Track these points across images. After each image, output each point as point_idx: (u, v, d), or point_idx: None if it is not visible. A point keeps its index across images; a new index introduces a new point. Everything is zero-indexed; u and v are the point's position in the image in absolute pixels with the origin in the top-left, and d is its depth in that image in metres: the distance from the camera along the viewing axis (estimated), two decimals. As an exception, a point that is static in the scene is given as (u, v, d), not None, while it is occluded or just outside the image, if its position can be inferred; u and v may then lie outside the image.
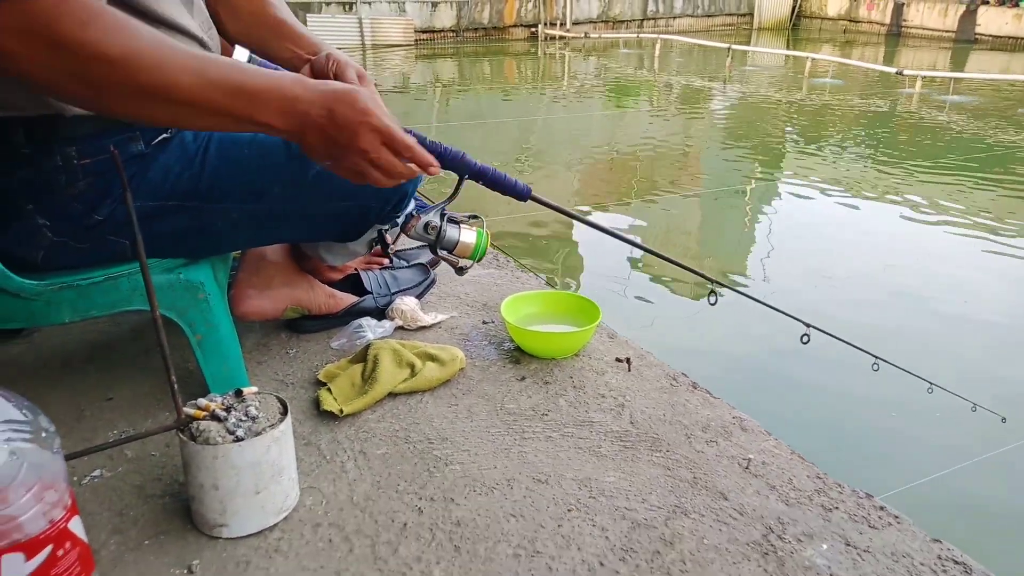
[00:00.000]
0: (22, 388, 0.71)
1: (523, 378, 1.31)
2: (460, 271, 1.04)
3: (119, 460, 1.07)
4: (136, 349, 1.38)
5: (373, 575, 0.87)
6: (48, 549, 0.63)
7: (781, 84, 8.89)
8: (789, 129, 6.63)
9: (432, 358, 1.30)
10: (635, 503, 1.00)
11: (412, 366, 1.27)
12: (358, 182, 0.86)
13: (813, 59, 9.34)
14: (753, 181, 5.00)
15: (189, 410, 0.89)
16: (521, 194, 1.00)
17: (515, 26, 12.77)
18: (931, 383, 1.26)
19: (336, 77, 1.00)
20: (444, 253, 1.01)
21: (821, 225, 4.03)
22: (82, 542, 0.67)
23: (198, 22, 1.05)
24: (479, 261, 1.04)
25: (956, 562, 0.92)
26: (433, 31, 12.13)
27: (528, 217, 3.93)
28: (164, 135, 1.05)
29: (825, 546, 0.94)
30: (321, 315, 1.43)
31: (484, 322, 1.51)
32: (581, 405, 1.23)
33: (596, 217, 4.06)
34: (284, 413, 0.92)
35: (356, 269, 1.53)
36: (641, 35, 12.33)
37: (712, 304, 1.08)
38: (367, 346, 1.33)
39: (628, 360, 1.37)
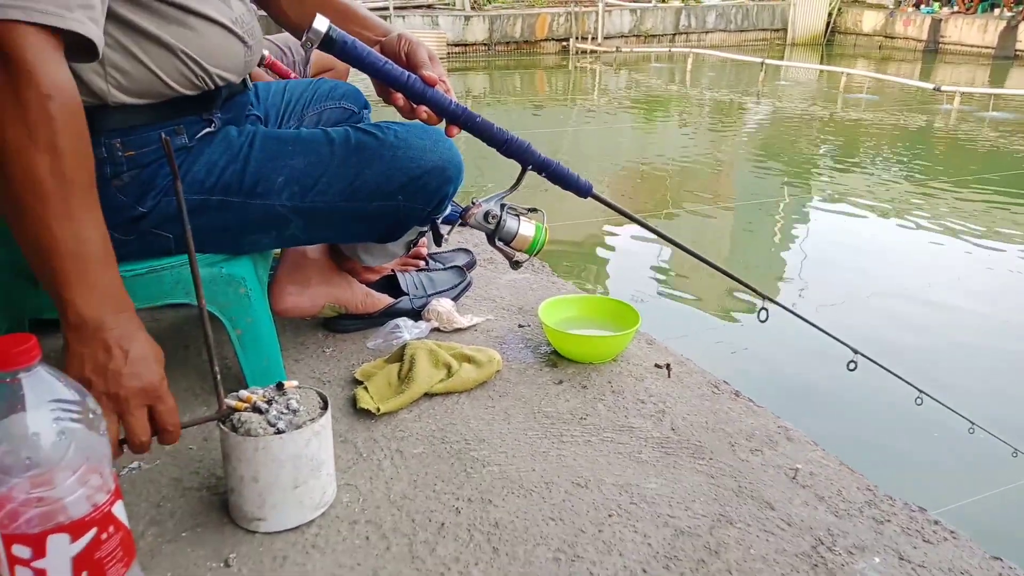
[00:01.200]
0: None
1: (560, 382, 1.29)
2: (515, 265, 1.01)
3: (157, 452, 1.07)
4: (175, 345, 1.39)
5: (411, 574, 0.85)
6: (93, 532, 0.62)
7: (815, 99, 8.80)
8: (823, 145, 6.55)
9: (469, 359, 1.28)
10: (678, 511, 0.97)
11: (449, 367, 1.26)
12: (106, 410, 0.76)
13: (848, 74, 9.24)
14: (786, 197, 4.94)
15: (231, 402, 0.88)
16: (582, 190, 0.98)
17: (547, 40, 12.82)
18: (972, 422, 1.20)
19: (408, 57, 0.99)
20: (501, 244, 0.98)
21: (856, 243, 3.96)
22: (125, 527, 0.66)
23: (236, 15, 1.02)
24: (535, 255, 1.01)
25: (1018, 581, 0.88)
26: (466, 44, 12.22)
27: (560, 225, 3.92)
28: (208, 129, 1.06)
29: (877, 559, 0.90)
30: (358, 315, 1.43)
31: (520, 325, 1.50)
32: (620, 410, 1.21)
33: (627, 227, 4.04)
34: (324, 407, 0.92)
35: (393, 270, 1.52)
36: (673, 49, 12.31)
37: (763, 321, 1.04)
38: (403, 346, 1.32)
39: (668, 366, 1.34)
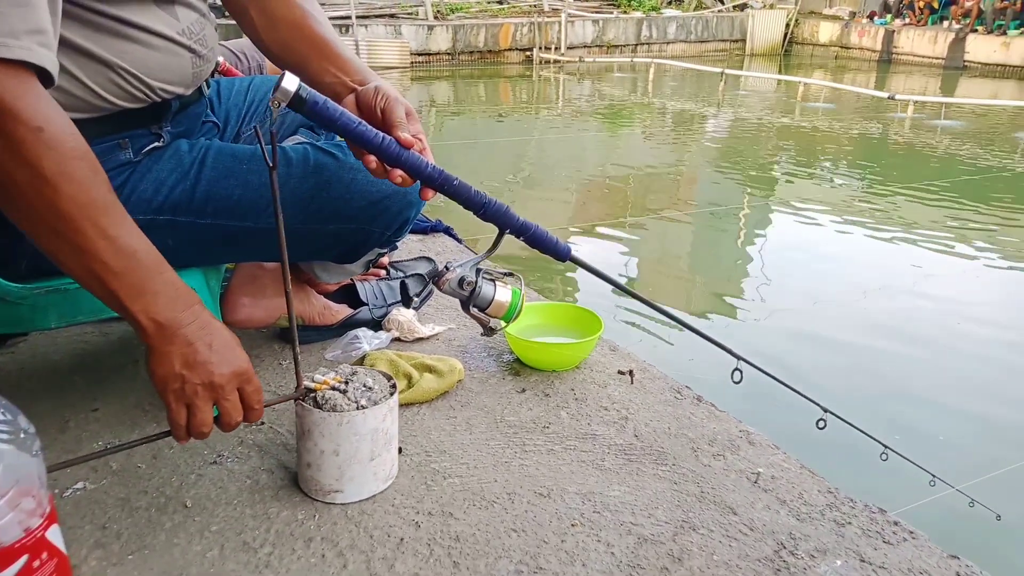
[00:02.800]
0: (4, 398, 0.67)
1: (523, 390, 1.28)
2: (490, 332, 0.97)
3: (103, 472, 1.03)
4: (124, 359, 1.35)
5: (368, 592, 0.83)
6: (24, 559, 0.59)
7: (774, 108, 8.97)
8: (782, 152, 6.67)
9: (430, 369, 1.26)
10: (641, 518, 0.96)
11: (409, 377, 1.24)
12: (173, 407, 0.79)
13: (805, 83, 9.44)
14: (746, 205, 5.01)
15: (309, 383, 0.94)
16: (561, 254, 0.96)
17: (510, 50, 12.87)
18: (934, 475, 1.18)
19: (384, 113, 0.91)
20: (476, 311, 0.95)
21: (814, 248, 4.02)
22: (60, 552, 0.63)
23: (184, 26, 0.97)
24: (510, 322, 0.98)
25: (976, 579, 0.88)
26: (429, 54, 12.21)
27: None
28: (156, 144, 1.02)
29: (839, 562, 0.90)
30: (316, 326, 1.40)
31: (482, 334, 1.48)
32: (583, 418, 1.20)
33: (591, 239, 4.05)
34: (394, 387, 0.98)
35: (352, 280, 1.50)
36: (635, 59, 12.45)
37: (736, 383, 1.02)
38: (363, 357, 1.31)
39: (631, 372, 1.34)
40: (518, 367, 1.36)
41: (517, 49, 12.95)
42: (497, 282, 0.97)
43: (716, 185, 5.63)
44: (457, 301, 0.98)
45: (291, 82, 0.79)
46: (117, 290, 0.75)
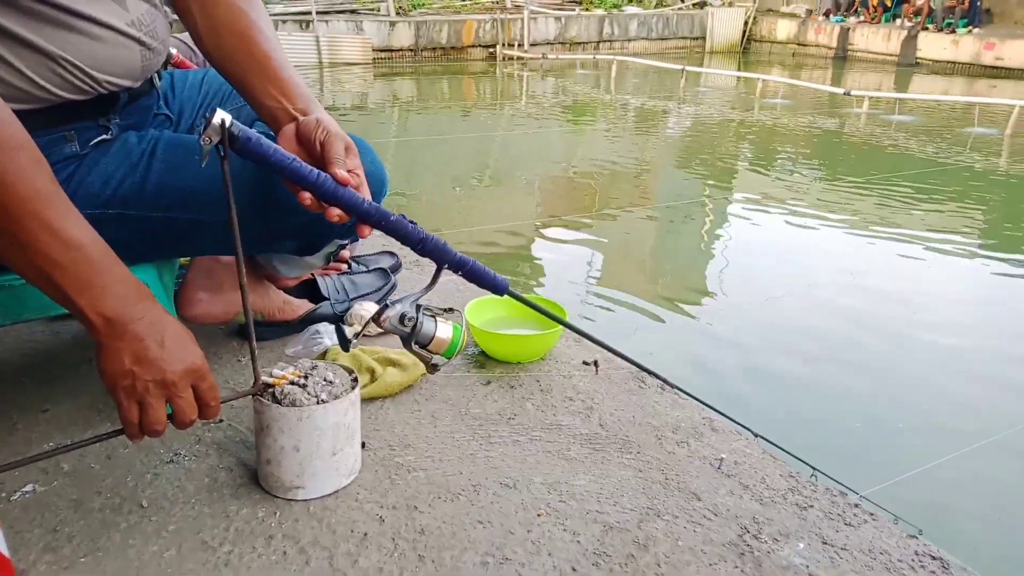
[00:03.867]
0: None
1: (488, 382, 1.27)
2: (433, 368, 0.97)
3: (55, 474, 0.99)
4: (76, 358, 1.30)
5: (331, 588, 0.81)
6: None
7: (733, 104, 9.08)
8: (742, 148, 6.76)
9: (393, 363, 1.25)
10: (607, 506, 0.96)
11: (372, 371, 1.22)
12: (124, 405, 0.76)
13: (764, 80, 9.58)
14: (708, 198, 5.06)
15: (267, 378, 0.92)
16: (499, 288, 0.96)
17: (473, 46, 12.83)
18: (859, 494, 1.18)
19: (323, 147, 0.88)
20: (417, 348, 0.95)
21: (773, 240, 4.09)
22: (3, 556, 0.60)
23: (134, 17, 0.93)
24: (453, 358, 0.98)
25: (933, 557, 0.90)
26: (391, 50, 12.09)
27: (488, 230, 3.91)
28: (104, 136, 0.98)
29: (802, 545, 0.91)
30: (276, 321, 1.38)
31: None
32: (549, 408, 1.20)
33: (557, 233, 4.05)
34: (355, 381, 0.97)
35: (313, 274, 1.47)
36: (597, 56, 12.51)
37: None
38: (324, 352, 1.28)
39: (596, 363, 1.34)
40: (483, 360, 1.35)
41: (480, 46, 12.91)
42: (438, 318, 0.96)
43: (678, 180, 5.69)
44: (428, 297, 0.97)
45: (220, 117, 0.76)
46: (63, 285, 0.72)
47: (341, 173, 0.86)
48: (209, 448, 1.05)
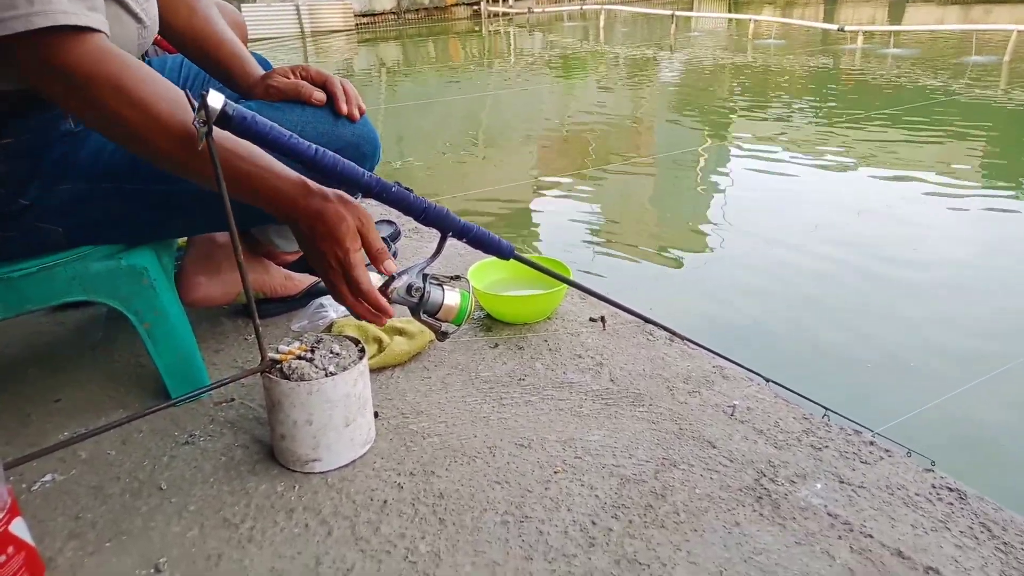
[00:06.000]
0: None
1: (496, 345, 1.28)
2: (442, 336, 0.97)
3: (72, 462, 1.00)
4: (82, 347, 1.31)
5: (354, 556, 0.82)
6: (-11, 555, 0.57)
7: (726, 48, 8.94)
8: (737, 92, 6.67)
9: (400, 332, 1.25)
10: (622, 459, 0.97)
11: (380, 341, 1.23)
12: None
13: (755, 21, 9.41)
14: (705, 147, 5.01)
15: (273, 354, 0.93)
16: (504, 252, 0.96)
17: (457, 5, 12.60)
18: (872, 431, 1.19)
19: (307, 75, 1.02)
20: (426, 317, 0.95)
21: (774, 184, 4.05)
22: (27, 545, 0.61)
23: None
24: (462, 325, 0.98)
25: (950, 489, 0.91)
26: (374, 14, 11.89)
27: (485, 193, 3.88)
28: None
29: (819, 485, 0.92)
30: (279, 298, 1.38)
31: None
32: (558, 367, 1.21)
33: (555, 192, 4.02)
34: (362, 351, 0.98)
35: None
36: (585, 7, 12.28)
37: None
38: (330, 325, 1.29)
39: (602, 319, 1.34)
40: (489, 323, 1.35)
41: (464, 4, 12.68)
42: (445, 286, 0.96)
43: (674, 129, 5.63)
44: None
45: (216, 100, 0.75)
46: (257, 179, 0.82)
47: (341, 104, 1.03)
48: (223, 427, 1.06)
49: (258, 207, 0.84)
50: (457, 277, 1.02)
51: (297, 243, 1.38)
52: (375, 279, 1.42)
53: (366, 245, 0.86)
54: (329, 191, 0.85)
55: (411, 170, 4.55)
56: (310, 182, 0.85)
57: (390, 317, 0.89)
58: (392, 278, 0.91)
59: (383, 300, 0.88)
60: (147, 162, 0.98)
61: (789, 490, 0.91)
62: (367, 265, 0.88)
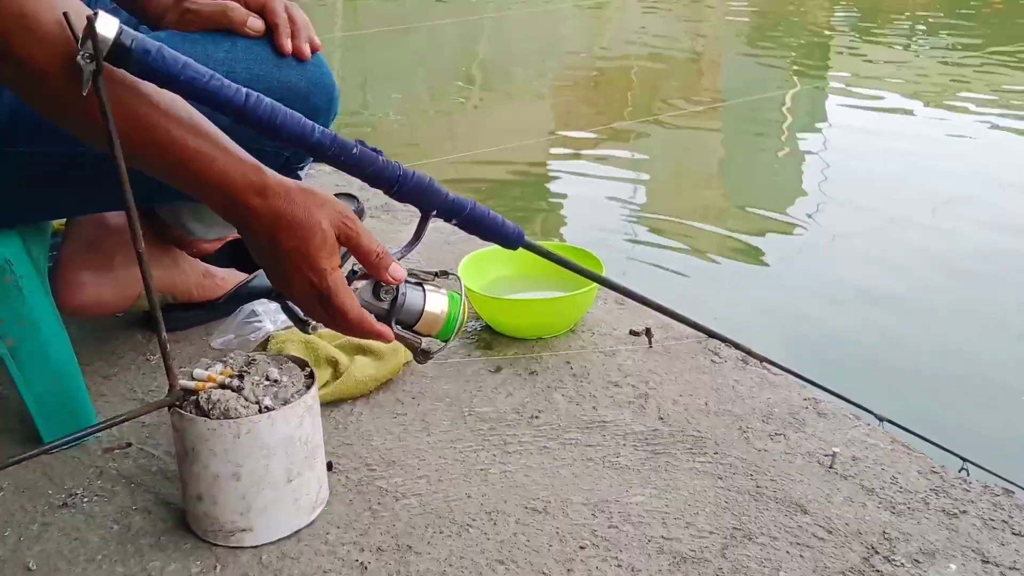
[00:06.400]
0: None
1: (498, 369, 1.29)
2: (423, 356, 0.96)
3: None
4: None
5: (300, 665, 0.82)
6: None
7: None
8: (837, 15, 6.67)
9: (363, 350, 1.26)
10: (676, 529, 0.97)
11: (335, 363, 1.24)
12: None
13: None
14: (793, 91, 5.01)
15: (186, 382, 0.92)
16: (510, 239, 0.96)
17: None
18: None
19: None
20: (401, 330, 0.94)
21: (887, 144, 4.04)
22: None
23: None
24: (450, 341, 0.97)
25: None
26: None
27: (486, 155, 3.89)
28: None
29: (954, 566, 0.92)
30: (194, 303, 1.39)
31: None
32: (586, 400, 1.21)
33: (579, 156, 4.03)
34: (311, 378, 0.98)
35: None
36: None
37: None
38: (266, 340, 1.29)
39: (648, 332, 1.34)
40: (489, 337, 1.36)
41: None
42: (426, 285, 0.95)
43: (749, 67, 5.63)
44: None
45: (108, 25, 0.74)
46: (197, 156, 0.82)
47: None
48: (116, 483, 1.07)
49: (186, 192, 0.84)
50: (445, 273, 1.02)
51: (239, 242, 1.38)
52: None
53: (359, 253, 0.87)
54: (292, 184, 0.85)
55: (381, 124, 4.56)
56: (267, 171, 0.84)
57: (389, 340, 0.90)
58: (352, 273, 0.91)
59: (379, 326, 0.89)
60: (8, 117, 0.99)
61: (913, 572, 0.91)
62: (357, 272, 0.89)
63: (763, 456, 1.09)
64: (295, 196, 0.83)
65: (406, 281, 0.95)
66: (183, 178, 0.82)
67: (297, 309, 1.24)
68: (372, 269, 0.88)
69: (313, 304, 0.86)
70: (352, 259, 0.93)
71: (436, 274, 1.01)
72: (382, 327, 0.89)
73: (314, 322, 1.13)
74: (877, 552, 0.94)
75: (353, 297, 0.86)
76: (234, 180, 0.82)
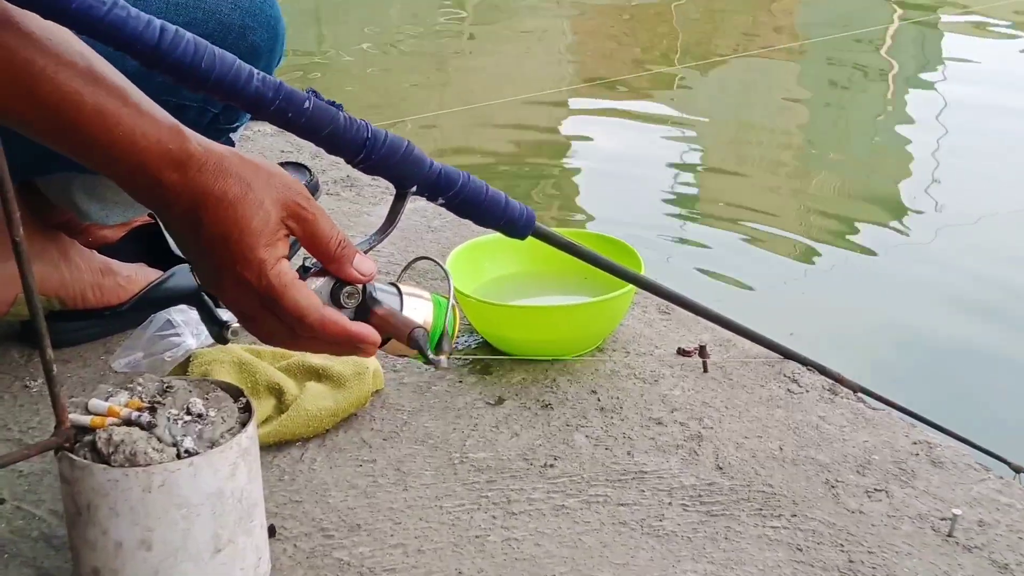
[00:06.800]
0: None
1: (500, 400, 1.29)
2: (435, 356, 0.97)
3: None
4: None
5: None
6: None
7: None
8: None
9: (318, 374, 1.26)
10: (741, 619, 0.97)
11: (279, 392, 1.24)
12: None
13: None
14: (896, 28, 5.02)
15: (79, 417, 0.91)
16: (518, 225, 0.96)
17: None
18: None
19: None
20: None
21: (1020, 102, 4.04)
22: None
23: None
24: (439, 357, 0.97)
25: None
26: None
27: (483, 112, 3.89)
28: None
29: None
30: (90, 309, 1.39)
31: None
32: (618, 442, 1.21)
33: (606, 110, 4.03)
34: (247, 410, 0.98)
35: (152, 216, 1.48)
36: None
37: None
38: (186, 360, 1.29)
39: (702, 351, 1.34)
40: (488, 357, 1.37)
41: None
42: (402, 286, 0.96)
43: (836, -4, 5.64)
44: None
45: None
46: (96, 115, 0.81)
47: None
48: (-17, 553, 1.06)
49: (79, 161, 0.83)
50: (424, 260, 1.03)
51: (150, 228, 1.39)
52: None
53: (315, 242, 0.86)
54: (224, 151, 0.84)
55: (341, 70, 4.57)
56: (190, 135, 0.84)
57: (376, 345, 0.90)
58: (304, 269, 0.91)
59: (356, 327, 0.88)
60: None
61: None
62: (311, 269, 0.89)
63: (858, 520, 1.09)
64: (228, 167, 0.83)
65: (374, 282, 0.95)
66: (75, 144, 0.81)
67: (211, 303, 1.25)
68: (331, 263, 0.87)
69: (256, 311, 0.85)
70: (302, 251, 0.93)
71: (414, 261, 1.01)
72: (362, 328, 0.88)
73: (234, 325, 1.13)
74: (1013, 651, 0.94)
75: (309, 292, 0.85)
76: (145, 147, 0.81)
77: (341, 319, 0.86)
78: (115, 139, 0.80)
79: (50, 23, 0.78)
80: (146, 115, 0.81)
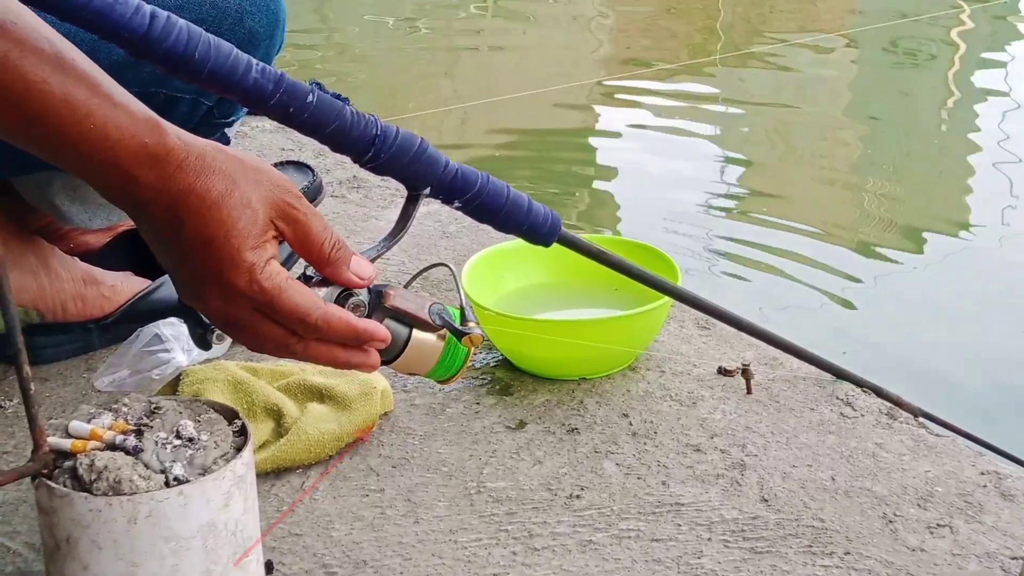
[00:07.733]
0: None
1: (521, 424, 1.29)
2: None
3: None
4: None
5: None
6: None
7: None
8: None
9: (322, 395, 1.27)
10: (788, 667, 0.97)
11: (278, 414, 1.24)
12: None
13: None
14: (966, 13, 5.01)
15: (59, 440, 0.91)
16: (541, 231, 0.97)
17: None
18: None
19: None
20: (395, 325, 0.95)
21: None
22: None
23: None
24: (449, 381, 0.97)
25: None
26: None
27: (504, 107, 3.90)
28: None
29: None
30: (71, 322, 1.40)
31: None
32: (652, 471, 1.21)
33: (639, 105, 4.04)
34: (243, 433, 0.98)
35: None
36: None
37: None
38: (176, 379, 1.29)
39: (745, 371, 1.34)
40: (508, 376, 1.37)
41: None
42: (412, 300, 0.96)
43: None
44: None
45: None
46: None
47: None
48: (-48, 590, 1.07)
49: (48, 161, 0.83)
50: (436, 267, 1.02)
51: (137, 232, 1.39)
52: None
53: (306, 246, 0.86)
54: (207, 146, 0.84)
55: (347, 61, 4.59)
56: (169, 129, 0.83)
57: (385, 341, 0.90)
58: (305, 277, 0.91)
59: (361, 323, 0.88)
60: None
61: None
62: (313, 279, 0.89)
63: (919, 559, 1.08)
64: (210, 163, 0.83)
65: (383, 292, 0.95)
66: (41, 138, 0.81)
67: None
68: (324, 267, 0.87)
69: (247, 319, 0.85)
70: (299, 260, 0.93)
71: (429, 267, 1.01)
72: (369, 323, 0.88)
73: (218, 330, 1.14)
74: None
75: (307, 290, 0.85)
76: (119, 141, 0.80)
77: (346, 315, 0.86)
78: (85, 132, 0.79)
79: (15, 5, 0.77)
80: (120, 106, 0.80)
